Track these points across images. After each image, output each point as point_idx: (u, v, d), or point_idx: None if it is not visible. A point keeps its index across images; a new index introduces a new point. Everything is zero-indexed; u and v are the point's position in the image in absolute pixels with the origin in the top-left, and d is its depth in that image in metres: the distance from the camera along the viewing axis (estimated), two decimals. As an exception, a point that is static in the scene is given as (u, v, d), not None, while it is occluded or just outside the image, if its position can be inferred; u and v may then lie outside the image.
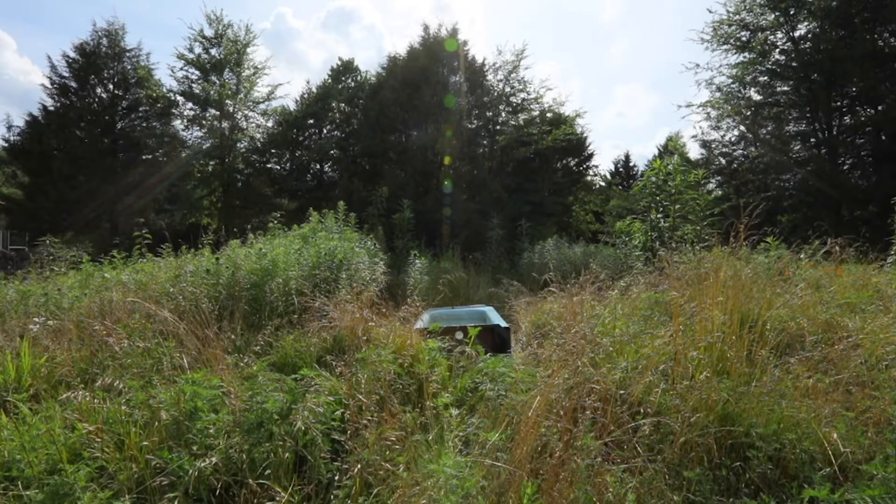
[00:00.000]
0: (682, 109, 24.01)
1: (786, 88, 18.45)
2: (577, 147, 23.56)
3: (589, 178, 25.41)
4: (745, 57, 18.56)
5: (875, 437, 2.17)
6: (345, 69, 25.54)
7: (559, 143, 21.53)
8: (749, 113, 19.17)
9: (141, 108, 22.08)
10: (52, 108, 20.88)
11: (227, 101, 21.38)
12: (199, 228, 11.24)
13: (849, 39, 15.95)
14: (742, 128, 19.99)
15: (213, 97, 20.98)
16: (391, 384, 2.84)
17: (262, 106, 22.78)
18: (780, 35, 18.04)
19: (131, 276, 5.73)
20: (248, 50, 21.88)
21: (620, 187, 28.13)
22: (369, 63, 57.85)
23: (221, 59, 21.33)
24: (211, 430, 2.30)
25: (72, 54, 20.95)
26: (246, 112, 22.56)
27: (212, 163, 22.05)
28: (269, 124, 23.66)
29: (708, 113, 20.01)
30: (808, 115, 18.23)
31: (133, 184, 20.45)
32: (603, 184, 29.18)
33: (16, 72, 63.79)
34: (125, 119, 21.91)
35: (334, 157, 24.33)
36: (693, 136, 36.21)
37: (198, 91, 21.41)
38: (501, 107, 22.62)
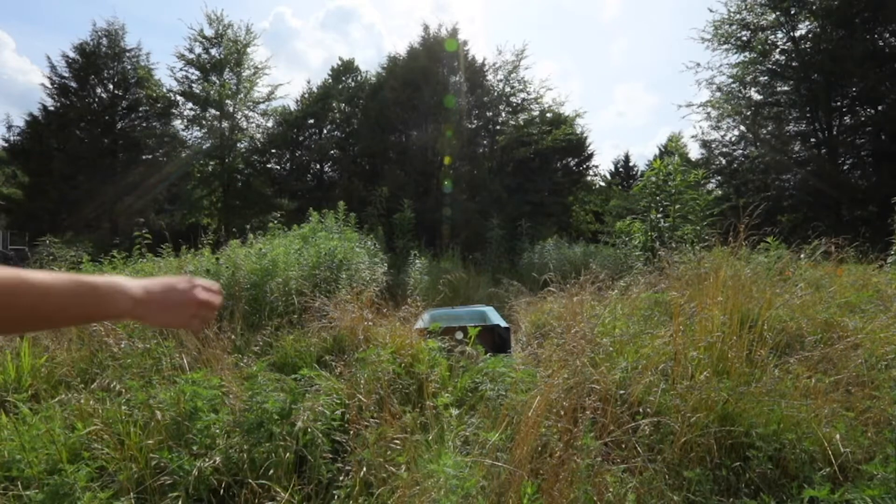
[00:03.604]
0: (682, 109, 24.05)
1: (786, 88, 18.46)
2: (577, 147, 23.57)
3: (589, 178, 25.43)
4: (745, 56, 18.56)
5: (875, 437, 2.17)
6: (345, 69, 25.55)
7: (559, 143, 21.53)
8: (749, 113, 19.17)
9: (141, 108, 22.08)
10: (51, 108, 20.89)
11: (227, 101, 21.38)
12: (199, 228, 11.25)
13: (849, 39, 15.95)
14: (742, 128, 19.99)
15: (213, 97, 20.98)
16: (391, 384, 2.84)
17: (262, 106, 22.79)
18: (780, 35, 18.06)
19: (131, 276, 5.71)
20: (249, 50, 21.89)
21: (620, 187, 28.12)
22: (369, 63, 57.84)
23: (221, 59, 21.33)
24: (211, 430, 2.30)
25: (71, 54, 20.97)
26: (246, 112, 22.57)
27: (212, 163, 22.05)
28: (269, 124, 23.68)
29: (708, 113, 20.03)
30: (808, 115, 18.23)
31: (133, 184, 20.45)
32: (603, 184, 29.19)
33: (14, 71, 63.84)
34: (125, 119, 21.92)
35: (334, 157, 24.34)
36: (693, 136, 36.21)
37: (198, 91, 21.41)
38: (501, 107, 22.63)
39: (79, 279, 0.64)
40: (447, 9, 55.48)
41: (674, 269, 4.52)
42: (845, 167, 17.78)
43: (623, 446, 2.24)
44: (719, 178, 20.14)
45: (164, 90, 22.45)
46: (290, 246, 6.22)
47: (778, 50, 18.20)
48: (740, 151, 20.33)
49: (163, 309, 0.75)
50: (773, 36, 18.15)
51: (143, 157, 22.03)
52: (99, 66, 21.14)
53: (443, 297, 7.74)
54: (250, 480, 2.08)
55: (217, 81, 21.30)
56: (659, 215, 9.67)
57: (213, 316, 0.82)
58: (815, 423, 2.21)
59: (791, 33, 17.67)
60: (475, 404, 2.81)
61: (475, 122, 22.64)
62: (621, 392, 2.54)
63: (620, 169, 33.28)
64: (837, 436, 2.11)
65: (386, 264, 8.81)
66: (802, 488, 1.87)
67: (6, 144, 21.17)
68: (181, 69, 21.47)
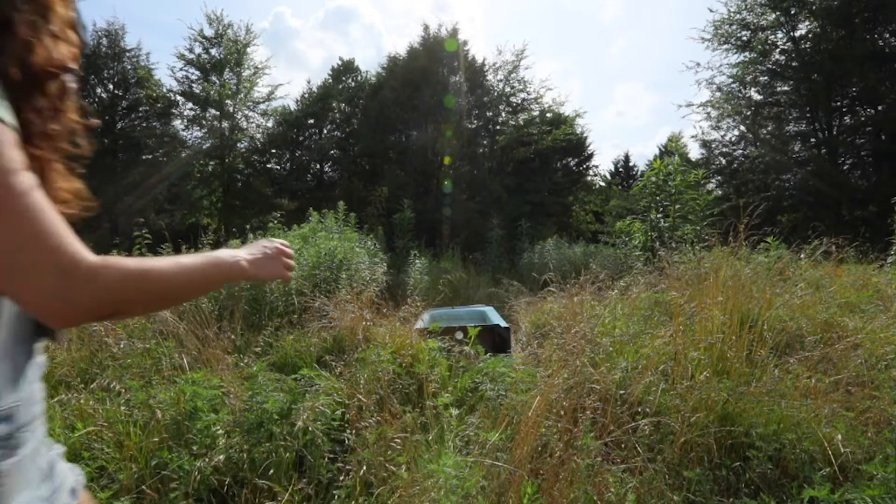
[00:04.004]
0: (682, 109, 24.05)
1: (786, 88, 18.46)
2: (577, 147, 23.57)
3: (589, 178, 25.42)
4: (745, 56, 18.56)
5: (875, 437, 2.17)
6: (345, 69, 25.54)
7: (559, 143, 21.53)
8: (749, 113, 19.18)
9: (141, 108, 22.08)
10: (52, 108, 20.87)
11: (227, 101, 21.37)
12: (199, 228, 11.25)
13: (849, 39, 15.95)
14: (742, 128, 20.00)
15: (213, 97, 20.97)
16: (391, 384, 2.84)
17: (262, 106, 22.76)
18: (780, 35, 18.06)
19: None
20: (249, 50, 21.86)
21: (620, 187, 28.11)
22: (369, 62, 57.72)
23: (221, 59, 21.31)
24: (211, 430, 2.30)
25: (72, 54, 20.96)
26: (246, 112, 22.55)
27: (212, 163, 22.03)
28: (269, 124, 23.65)
29: (708, 113, 20.03)
30: (808, 115, 18.24)
31: (133, 184, 20.44)
32: (603, 184, 29.18)
33: (15, 72, 63.77)
34: (125, 119, 21.92)
35: (334, 157, 24.33)
36: (693, 136, 36.22)
37: (198, 91, 21.40)
38: (501, 107, 22.63)
39: (208, 256, 0.78)
40: (447, 9, 55.26)
41: (674, 269, 4.52)
42: (845, 167, 17.79)
43: (623, 446, 2.24)
44: (719, 178, 20.14)
45: (164, 90, 22.46)
46: (290, 246, 6.21)
47: (778, 50, 18.21)
48: (740, 151, 20.33)
49: (266, 264, 0.91)
50: (773, 36, 18.15)
51: (143, 157, 22.02)
52: (99, 66, 21.13)
53: (443, 297, 7.74)
54: (254, 480, 2.08)
55: (217, 81, 21.28)
56: (659, 215, 9.67)
57: (293, 266, 0.99)
58: (815, 423, 2.21)
59: (791, 33, 17.67)
60: (475, 404, 2.81)
61: (475, 122, 22.64)
62: (621, 392, 2.54)
63: (620, 169, 33.26)
64: (839, 436, 2.10)
65: (386, 264, 8.81)
66: (802, 488, 1.87)
67: (6, 144, 21.15)
68: (181, 69, 21.48)
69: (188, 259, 0.74)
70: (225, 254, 0.82)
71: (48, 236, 0.55)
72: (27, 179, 0.55)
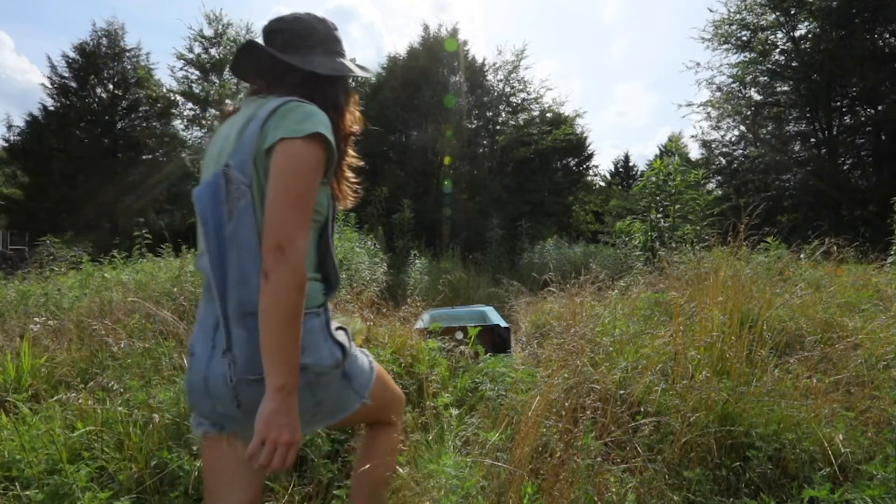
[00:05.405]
0: (682, 109, 24.11)
1: (786, 88, 18.47)
2: (577, 147, 23.58)
3: (589, 178, 25.43)
4: (745, 56, 18.58)
5: (875, 437, 2.17)
6: (345, 69, 25.51)
7: (559, 143, 21.53)
8: (749, 113, 19.19)
9: (141, 108, 22.07)
10: (52, 108, 20.88)
11: (228, 101, 21.36)
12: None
13: (849, 39, 15.96)
14: (742, 128, 20.01)
15: (213, 97, 20.99)
16: (391, 384, 2.83)
17: (262, 106, 22.75)
18: (780, 35, 18.07)
19: (131, 276, 5.73)
20: (248, 50, 21.87)
21: (620, 187, 28.11)
22: (369, 62, 57.56)
23: (221, 58, 21.33)
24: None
25: (71, 54, 20.97)
26: (246, 112, 22.55)
27: (212, 163, 22.05)
28: (270, 124, 23.62)
29: (708, 113, 20.05)
30: (808, 115, 18.25)
31: (133, 184, 20.44)
32: (603, 184, 29.19)
33: (13, 70, 63.81)
34: (125, 119, 21.91)
35: (334, 157, 24.31)
36: (693, 136, 36.21)
37: (198, 91, 21.42)
38: (501, 107, 22.64)
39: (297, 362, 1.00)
40: (447, 9, 55.14)
41: (674, 269, 4.52)
42: (845, 167, 17.80)
43: (623, 446, 2.24)
44: (719, 178, 20.15)
45: (164, 90, 22.44)
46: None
47: (778, 50, 18.22)
48: (740, 151, 20.34)
49: (276, 413, 0.94)
50: (773, 36, 18.17)
51: (143, 157, 22.02)
52: (99, 66, 21.13)
53: (443, 297, 7.74)
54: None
55: (217, 81, 21.30)
56: (659, 215, 9.68)
57: (285, 461, 0.98)
58: (815, 423, 2.20)
59: (791, 33, 17.68)
60: (475, 404, 2.81)
61: (475, 122, 22.65)
62: (621, 392, 2.54)
63: (620, 169, 33.26)
64: (839, 436, 2.10)
65: (386, 264, 8.82)
66: (802, 488, 1.87)
67: (6, 144, 21.17)
68: (181, 69, 21.51)
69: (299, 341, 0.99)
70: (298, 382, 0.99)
71: (301, 218, 1.01)
72: (313, 187, 1.05)
